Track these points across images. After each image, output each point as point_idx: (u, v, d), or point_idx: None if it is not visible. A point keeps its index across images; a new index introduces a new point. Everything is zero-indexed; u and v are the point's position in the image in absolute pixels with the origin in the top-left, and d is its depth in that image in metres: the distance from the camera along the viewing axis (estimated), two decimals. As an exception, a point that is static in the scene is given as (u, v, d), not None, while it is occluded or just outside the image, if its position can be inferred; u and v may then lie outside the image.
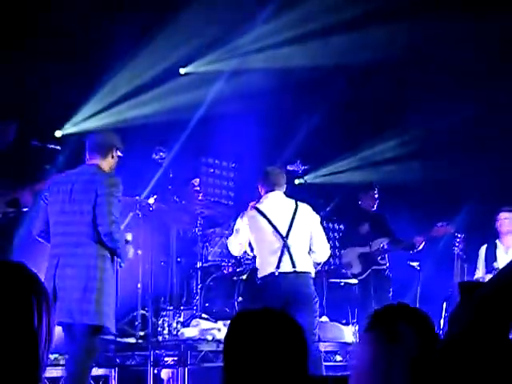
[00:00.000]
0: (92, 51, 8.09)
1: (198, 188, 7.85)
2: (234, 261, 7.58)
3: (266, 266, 6.01)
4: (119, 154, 5.25)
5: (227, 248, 8.01)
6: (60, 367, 5.57)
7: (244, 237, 6.23)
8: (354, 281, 8.42)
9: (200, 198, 7.81)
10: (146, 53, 8.62)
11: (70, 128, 8.21)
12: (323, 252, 6.23)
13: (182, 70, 9.45)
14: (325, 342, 7.16)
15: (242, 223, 6.22)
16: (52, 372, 5.58)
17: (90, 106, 8.51)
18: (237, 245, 6.34)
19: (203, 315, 6.91)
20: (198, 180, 7.97)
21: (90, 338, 4.73)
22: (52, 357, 5.66)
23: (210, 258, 7.86)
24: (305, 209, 6.21)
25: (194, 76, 9.41)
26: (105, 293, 4.77)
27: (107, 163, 5.15)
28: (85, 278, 4.71)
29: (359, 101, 9.95)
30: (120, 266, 5.17)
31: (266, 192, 6.23)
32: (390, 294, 8.30)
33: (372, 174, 10.62)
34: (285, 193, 6.30)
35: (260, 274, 6.07)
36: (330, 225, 11.22)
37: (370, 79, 9.71)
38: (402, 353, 1.99)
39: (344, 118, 10.07)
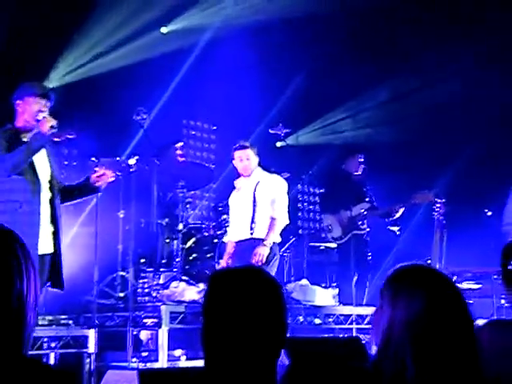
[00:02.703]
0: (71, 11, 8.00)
1: (181, 152, 7.80)
2: (214, 223, 7.58)
3: None
4: (30, 100, 5.03)
5: (208, 210, 8.01)
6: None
7: None
8: (334, 245, 8.45)
9: (180, 160, 7.75)
10: (126, 11, 8.52)
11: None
12: None
13: (164, 29, 9.33)
14: (304, 304, 7.20)
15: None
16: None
17: (68, 63, 8.41)
18: None
19: (183, 277, 6.90)
20: (181, 143, 7.90)
21: None
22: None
23: (190, 220, 7.83)
24: None
25: (176, 35, 9.30)
26: None
27: (23, 118, 5.03)
28: None
29: (341, 62, 9.88)
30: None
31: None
32: (369, 258, 8.34)
33: (353, 137, 10.62)
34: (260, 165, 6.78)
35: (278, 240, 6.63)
36: (311, 189, 11.25)
37: (350, 44, 9.67)
38: (402, 314, 1.98)
39: (326, 79, 10.00)
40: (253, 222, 6.54)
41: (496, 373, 2.47)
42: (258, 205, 6.55)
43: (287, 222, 6.67)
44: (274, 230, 6.52)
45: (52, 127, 4.98)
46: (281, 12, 9.12)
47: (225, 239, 6.99)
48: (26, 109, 5.03)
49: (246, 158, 6.59)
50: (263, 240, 6.43)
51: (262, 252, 6.36)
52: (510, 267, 2.74)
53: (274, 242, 6.53)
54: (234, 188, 6.89)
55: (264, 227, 6.53)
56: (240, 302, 1.92)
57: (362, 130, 10.74)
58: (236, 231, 6.70)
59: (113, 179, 5.34)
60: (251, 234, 6.54)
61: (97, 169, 5.23)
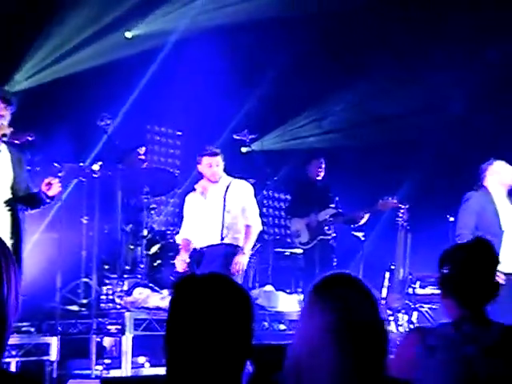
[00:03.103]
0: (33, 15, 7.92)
1: (144, 157, 7.75)
2: (179, 229, 7.53)
3: None
4: None
5: (173, 216, 7.96)
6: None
7: None
8: (300, 250, 8.46)
9: (144, 166, 7.71)
10: (91, 15, 8.45)
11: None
12: None
13: (128, 34, 9.27)
14: (269, 311, 7.20)
15: None
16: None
17: (31, 66, 8.31)
18: None
19: (147, 283, 6.86)
20: (144, 148, 7.85)
21: None
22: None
23: (155, 226, 7.79)
24: None
25: (141, 40, 9.24)
26: None
27: None
28: None
29: (306, 66, 9.91)
30: None
31: None
32: (335, 264, 8.37)
33: (320, 141, 10.64)
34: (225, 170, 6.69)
35: None
36: (276, 194, 11.27)
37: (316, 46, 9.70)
38: (338, 321, 1.99)
39: (293, 84, 10.01)
40: (223, 227, 6.49)
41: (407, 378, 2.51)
42: (229, 211, 6.52)
43: (261, 227, 6.67)
44: (250, 238, 6.51)
45: (4, 135, 4.92)
46: (247, 16, 9.11)
47: (177, 238, 6.87)
48: None
49: (215, 165, 6.56)
50: (241, 248, 6.40)
51: (242, 261, 6.34)
52: (444, 271, 2.80)
53: (237, 246, 6.50)
54: (193, 189, 6.84)
55: (234, 233, 6.49)
56: (205, 310, 1.88)
57: (326, 135, 10.78)
58: (203, 236, 6.61)
59: (60, 189, 5.24)
60: (222, 239, 6.49)
61: (47, 180, 5.15)
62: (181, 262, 6.48)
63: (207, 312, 1.88)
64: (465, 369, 2.57)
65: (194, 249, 6.62)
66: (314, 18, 9.23)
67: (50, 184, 5.08)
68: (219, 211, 6.53)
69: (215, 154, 6.58)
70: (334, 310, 1.99)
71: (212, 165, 6.55)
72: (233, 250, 6.43)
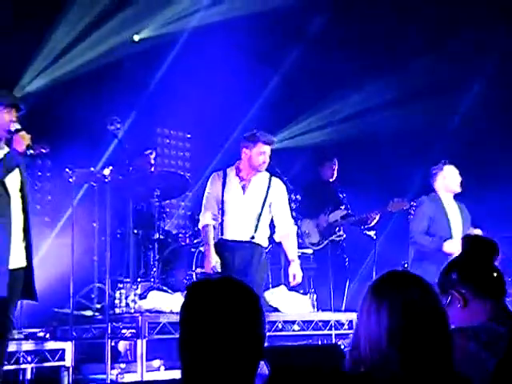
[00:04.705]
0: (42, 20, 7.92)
1: (153, 161, 7.71)
2: (191, 232, 7.53)
3: None
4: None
5: (184, 219, 7.93)
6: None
7: None
8: (310, 250, 8.44)
9: (152, 169, 7.66)
10: (98, 16, 8.45)
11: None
12: None
13: (136, 37, 9.27)
14: (283, 312, 7.18)
15: None
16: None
17: (37, 70, 8.30)
18: None
19: (161, 287, 6.86)
20: (154, 154, 7.79)
21: None
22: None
23: (166, 229, 7.78)
24: None
25: (149, 42, 9.22)
26: None
27: None
28: None
29: (316, 57, 9.86)
30: None
31: None
32: (347, 264, 8.36)
33: (332, 134, 10.54)
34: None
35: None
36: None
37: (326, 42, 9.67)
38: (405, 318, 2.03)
39: (301, 82, 9.98)
40: (258, 223, 6.13)
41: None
42: (268, 206, 6.17)
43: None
44: (295, 245, 6.42)
45: (28, 146, 4.82)
46: (254, 12, 9.05)
47: (202, 220, 6.27)
48: None
49: (268, 154, 6.17)
50: (292, 260, 6.25)
51: (298, 270, 6.23)
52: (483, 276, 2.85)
53: (263, 246, 6.27)
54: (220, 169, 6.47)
55: (263, 231, 6.20)
56: (216, 313, 1.91)
57: (336, 128, 10.64)
58: (233, 227, 6.16)
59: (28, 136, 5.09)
60: (252, 237, 6.14)
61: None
62: (210, 263, 6.01)
63: (218, 315, 1.92)
64: None
65: (221, 241, 6.17)
66: (326, 13, 9.19)
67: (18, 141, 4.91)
68: (258, 205, 6.15)
69: (271, 143, 6.20)
70: (401, 307, 2.03)
71: (265, 153, 6.15)
72: (261, 250, 6.17)
